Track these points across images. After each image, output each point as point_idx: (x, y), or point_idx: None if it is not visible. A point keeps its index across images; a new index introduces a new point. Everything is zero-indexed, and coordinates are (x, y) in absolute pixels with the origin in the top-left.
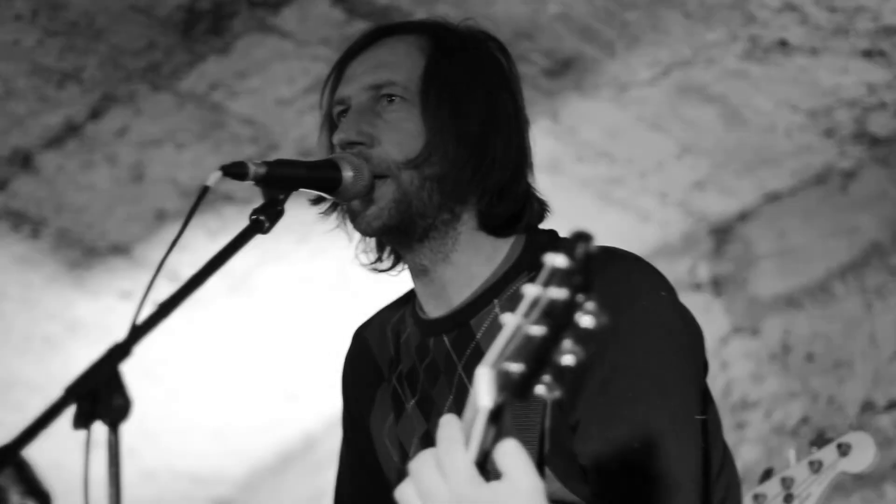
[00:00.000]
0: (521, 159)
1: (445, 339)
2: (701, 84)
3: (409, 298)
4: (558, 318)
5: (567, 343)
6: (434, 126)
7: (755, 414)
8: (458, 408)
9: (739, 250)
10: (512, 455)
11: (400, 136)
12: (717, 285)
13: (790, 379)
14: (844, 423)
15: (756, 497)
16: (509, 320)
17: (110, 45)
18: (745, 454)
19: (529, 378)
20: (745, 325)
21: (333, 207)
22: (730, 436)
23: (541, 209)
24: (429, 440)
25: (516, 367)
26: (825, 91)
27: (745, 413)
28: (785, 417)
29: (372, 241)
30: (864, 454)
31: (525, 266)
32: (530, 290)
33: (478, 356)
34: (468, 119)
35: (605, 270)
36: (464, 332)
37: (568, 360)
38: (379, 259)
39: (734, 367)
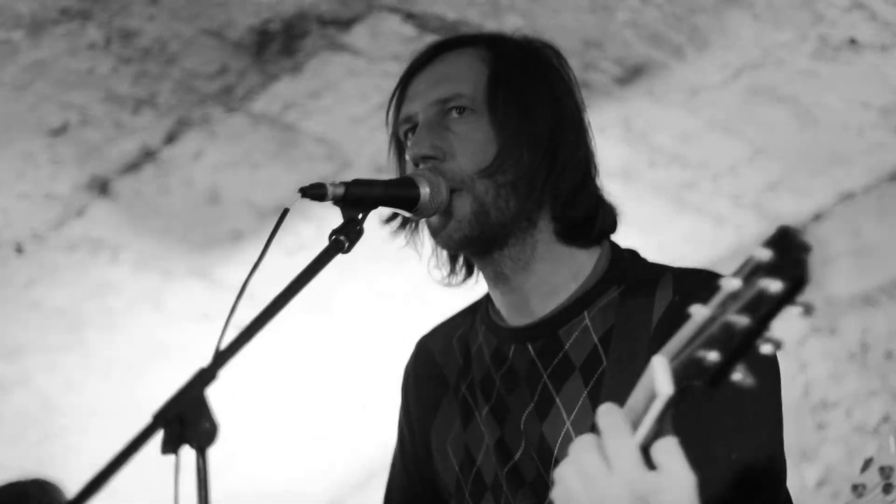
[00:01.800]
0: (588, 162)
1: (530, 347)
2: (771, 85)
3: (476, 309)
4: (768, 308)
5: (770, 333)
6: (504, 133)
7: (836, 414)
8: (539, 415)
9: (815, 250)
10: (670, 451)
11: (472, 148)
12: None
13: (869, 377)
14: None
15: (856, 487)
16: (698, 312)
17: (183, 70)
18: (827, 454)
19: (726, 366)
20: (823, 325)
21: (403, 225)
22: (811, 436)
23: (613, 213)
24: (503, 447)
25: (713, 355)
26: None
27: (826, 413)
28: (866, 416)
29: (444, 256)
30: None
31: (614, 280)
32: (729, 284)
33: (566, 365)
34: (537, 124)
35: (700, 290)
36: (551, 342)
37: (768, 349)
38: (452, 273)
39: (813, 367)
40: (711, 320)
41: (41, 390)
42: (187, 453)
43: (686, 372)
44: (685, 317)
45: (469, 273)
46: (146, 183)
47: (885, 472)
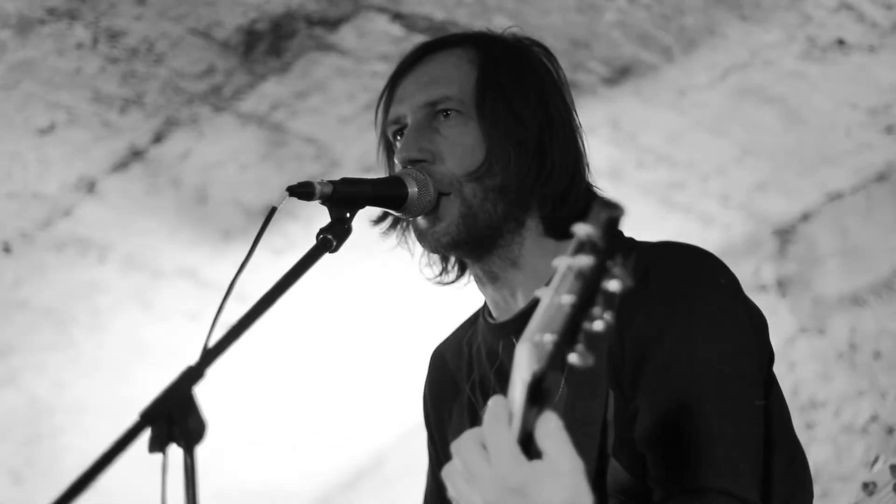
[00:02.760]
0: (578, 162)
1: (514, 339)
2: (759, 86)
3: (478, 312)
4: (586, 285)
5: (596, 309)
6: (492, 136)
7: (824, 413)
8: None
9: (803, 250)
10: (552, 435)
11: (460, 151)
12: (782, 286)
13: (858, 377)
14: None
15: (866, 486)
16: (543, 294)
17: (171, 70)
18: (816, 454)
19: (562, 347)
20: (811, 325)
21: (394, 225)
22: (799, 436)
23: (607, 207)
24: None
25: (549, 338)
26: (884, 88)
27: (814, 413)
28: (854, 416)
29: (435, 256)
30: None
31: None
32: (561, 262)
33: None
34: (525, 126)
35: (665, 261)
36: None
37: (598, 325)
38: (444, 272)
39: (801, 367)
40: (551, 301)
41: (29, 390)
42: (175, 452)
43: (535, 356)
44: (640, 293)
45: (462, 271)
46: (134, 182)
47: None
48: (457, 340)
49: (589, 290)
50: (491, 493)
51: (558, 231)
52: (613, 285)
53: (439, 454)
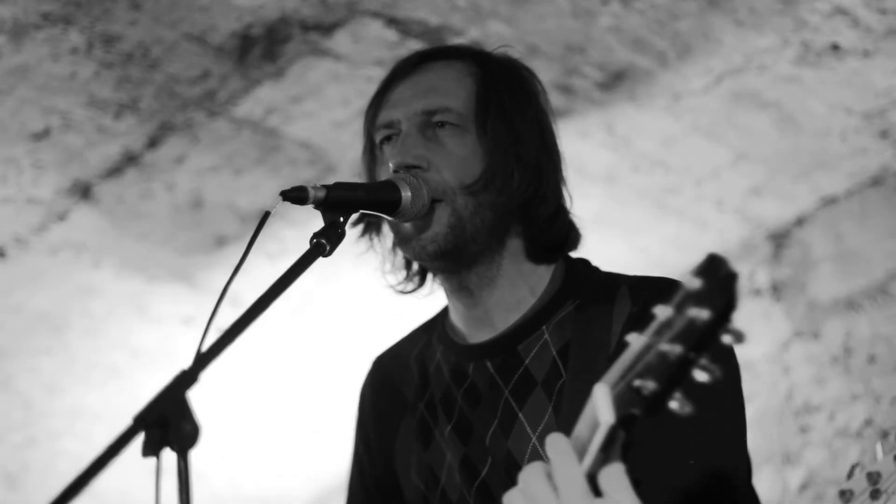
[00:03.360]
0: (563, 183)
1: (489, 364)
2: (754, 91)
3: (431, 326)
4: (698, 337)
5: (704, 361)
6: (494, 152)
7: (819, 417)
8: (504, 431)
9: (798, 255)
10: (617, 478)
11: (455, 162)
12: (777, 290)
13: (852, 381)
14: None
15: (843, 493)
16: (636, 341)
17: (165, 75)
18: (810, 458)
19: (662, 395)
20: (806, 329)
21: (366, 230)
22: (794, 440)
23: (578, 236)
24: (468, 464)
25: (650, 385)
26: (879, 93)
27: (809, 417)
28: (849, 420)
29: (399, 261)
30: None
31: (570, 294)
32: (662, 312)
33: (527, 381)
34: (525, 147)
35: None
36: (510, 358)
37: (703, 377)
38: (407, 280)
39: (796, 371)
40: (647, 348)
41: (23, 394)
42: (168, 456)
43: (625, 400)
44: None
45: (422, 282)
46: (129, 187)
47: (872, 477)
48: (401, 354)
49: (703, 343)
50: None
51: (539, 255)
52: (727, 340)
53: (375, 463)
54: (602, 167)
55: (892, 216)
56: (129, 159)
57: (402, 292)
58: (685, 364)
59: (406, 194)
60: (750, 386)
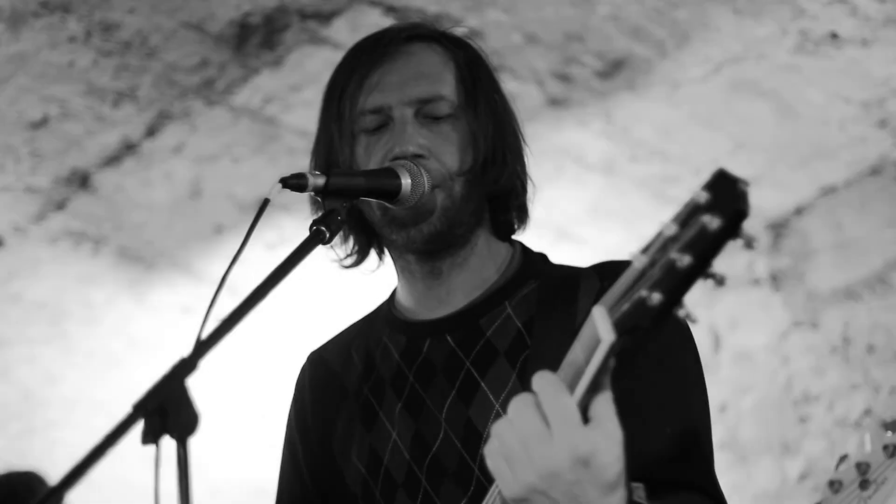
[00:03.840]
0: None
1: (448, 338)
2: (753, 79)
3: (372, 317)
4: (709, 244)
5: (712, 270)
6: (485, 137)
7: (818, 407)
8: (463, 401)
9: (796, 244)
10: (607, 405)
11: (452, 149)
12: (776, 280)
13: (851, 371)
14: None
15: (832, 483)
16: (638, 260)
17: (164, 63)
18: (809, 448)
19: (670, 305)
20: (805, 319)
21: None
22: (793, 430)
23: (526, 216)
24: (419, 440)
25: (657, 296)
26: (877, 82)
27: (808, 406)
28: (847, 409)
29: (348, 236)
30: None
31: (531, 275)
32: (668, 228)
33: (489, 351)
34: (507, 129)
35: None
36: (471, 331)
37: (710, 284)
38: (349, 255)
39: (795, 361)
40: (651, 265)
41: (22, 382)
42: (168, 444)
43: (630, 316)
44: None
45: (361, 258)
46: (127, 176)
47: (861, 468)
48: (341, 346)
49: (714, 250)
50: (554, 459)
51: (504, 232)
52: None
53: (312, 452)
54: (600, 156)
55: (890, 206)
56: (128, 148)
57: (345, 267)
58: (693, 272)
59: (406, 181)
60: (749, 376)
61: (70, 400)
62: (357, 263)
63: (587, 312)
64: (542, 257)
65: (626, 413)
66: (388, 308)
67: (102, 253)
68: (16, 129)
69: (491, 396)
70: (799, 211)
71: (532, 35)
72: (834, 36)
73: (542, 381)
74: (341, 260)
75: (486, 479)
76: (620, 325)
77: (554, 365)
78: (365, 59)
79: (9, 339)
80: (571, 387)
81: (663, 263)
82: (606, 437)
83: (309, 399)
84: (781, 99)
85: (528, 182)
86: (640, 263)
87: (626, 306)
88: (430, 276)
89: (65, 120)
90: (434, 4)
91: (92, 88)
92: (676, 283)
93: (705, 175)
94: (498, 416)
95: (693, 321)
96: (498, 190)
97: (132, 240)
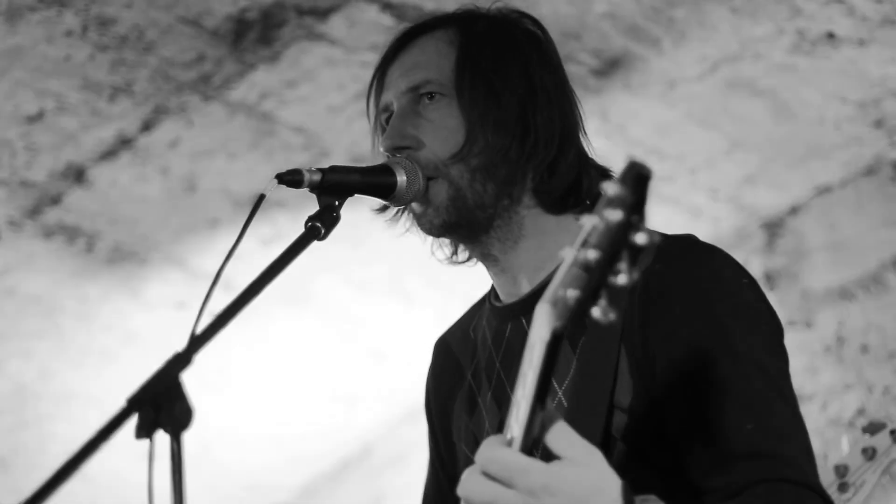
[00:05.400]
0: (566, 131)
1: (524, 321)
2: (749, 79)
3: (484, 299)
4: (614, 239)
5: (622, 264)
6: (472, 116)
7: (811, 407)
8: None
9: (791, 244)
10: (560, 435)
11: (443, 134)
12: (770, 279)
13: (845, 371)
14: None
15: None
16: (566, 253)
17: (160, 58)
18: None
19: (584, 302)
20: (799, 318)
21: (399, 212)
22: None
23: (600, 175)
24: (503, 429)
25: (572, 294)
26: (874, 82)
27: (801, 406)
28: (841, 409)
29: (444, 238)
30: None
31: None
32: (587, 221)
33: None
34: (504, 102)
35: (686, 256)
36: None
37: (622, 280)
38: (455, 252)
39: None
40: (574, 260)
41: (16, 377)
42: (161, 438)
43: (557, 313)
44: (657, 283)
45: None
46: (122, 171)
47: (839, 470)
48: (462, 328)
49: (616, 245)
50: (519, 499)
51: (555, 204)
52: (640, 239)
53: (440, 446)
54: (596, 154)
55: (886, 205)
56: (123, 142)
57: (455, 263)
58: (604, 268)
59: (401, 178)
60: None
61: (64, 394)
62: (468, 258)
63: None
64: None
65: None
66: (492, 288)
67: (97, 247)
68: (11, 123)
69: (555, 384)
70: (794, 210)
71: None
72: (831, 36)
73: (482, 448)
74: (451, 259)
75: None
76: (554, 321)
77: (601, 348)
78: (382, 60)
79: (2, 333)
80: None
81: (579, 260)
82: (566, 466)
83: (433, 383)
84: (778, 98)
85: (573, 147)
86: (568, 258)
87: (554, 303)
88: (488, 261)
89: (60, 114)
90: (431, 1)
91: (88, 83)
92: (588, 279)
93: (701, 174)
94: (559, 403)
95: (634, 278)
96: (495, 164)
97: (127, 235)
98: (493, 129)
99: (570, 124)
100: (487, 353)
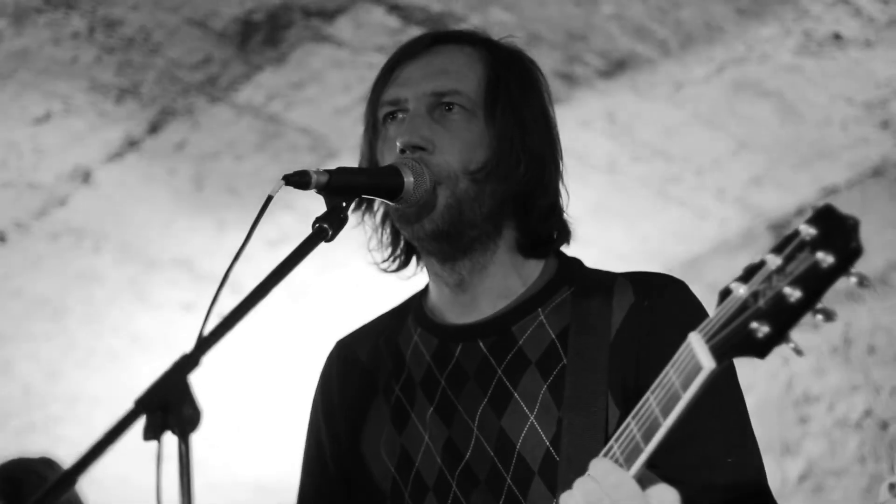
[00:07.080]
0: (559, 176)
1: (481, 343)
2: (756, 80)
3: (403, 310)
4: (819, 281)
5: (822, 305)
6: (501, 139)
7: (818, 408)
8: (496, 410)
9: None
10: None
11: (461, 146)
12: None
13: (852, 372)
14: None
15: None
16: (738, 289)
17: (167, 60)
18: (809, 449)
19: (776, 337)
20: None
21: (358, 206)
22: (793, 430)
23: (568, 233)
24: (451, 447)
25: (764, 329)
26: (880, 83)
27: (808, 407)
28: (848, 410)
29: (387, 240)
30: None
31: (564, 281)
32: (772, 261)
33: (520, 360)
34: (532, 136)
35: (665, 293)
36: (503, 338)
37: (820, 319)
38: (391, 258)
39: (796, 361)
40: (755, 296)
41: (23, 379)
42: (169, 440)
43: (731, 345)
44: (649, 318)
45: (406, 262)
46: (129, 172)
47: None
48: (369, 336)
49: (824, 285)
50: None
51: (530, 248)
52: (852, 282)
53: (339, 443)
54: (603, 156)
55: (892, 206)
56: (130, 144)
57: (386, 271)
58: (803, 307)
59: (409, 179)
60: (749, 376)
61: (71, 396)
62: (400, 268)
63: (622, 327)
64: (577, 262)
65: (687, 443)
66: (420, 305)
67: (104, 249)
68: (18, 125)
69: (524, 407)
70: (800, 211)
71: (535, 34)
72: (837, 37)
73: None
74: (381, 264)
75: (519, 490)
76: (720, 354)
77: (588, 383)
78: (397, 56)
79: (10, 335)
80: (666, 411)
81: (771, 296)
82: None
83: (336, 387)
84: (784, 99)
85: (560, 197)
86: (740, 293)
87: (727, 334)
88: (453, 279)
89: (67, 116)
90: (437, 3)
91: (95, 84)
92: (786, 317)
93: (708, 175)
94: (532, 428)
95: (832, 318)
96: (509, 193)
97: (134, 236)
98: (515, 158)
99: (561, 173)
100: (425, 369)
